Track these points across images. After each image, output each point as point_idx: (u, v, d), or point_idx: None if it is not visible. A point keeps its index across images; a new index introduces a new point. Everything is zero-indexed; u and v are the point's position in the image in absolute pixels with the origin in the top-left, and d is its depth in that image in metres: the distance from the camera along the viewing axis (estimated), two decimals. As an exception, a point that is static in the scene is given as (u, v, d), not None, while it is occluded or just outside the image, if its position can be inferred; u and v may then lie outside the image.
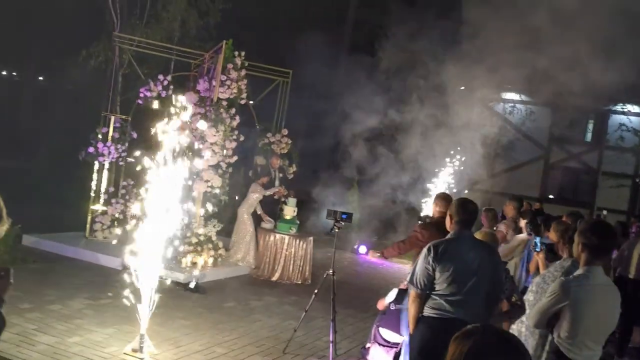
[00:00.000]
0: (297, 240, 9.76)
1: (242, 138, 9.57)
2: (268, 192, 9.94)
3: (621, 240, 8.45)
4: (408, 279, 4.29)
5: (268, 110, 11.46)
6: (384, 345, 5.68)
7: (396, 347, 5.65)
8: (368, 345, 5.89)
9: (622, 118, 20.71)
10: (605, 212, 17.14)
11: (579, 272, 3.58)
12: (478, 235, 4.74)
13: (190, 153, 8.56)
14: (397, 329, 5.69)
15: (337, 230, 6.72)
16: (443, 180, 13.77)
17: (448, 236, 4.27)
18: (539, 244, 5.01)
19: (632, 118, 20.72)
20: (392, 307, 5.79)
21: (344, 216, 6.68)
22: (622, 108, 20.61)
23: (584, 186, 21.68)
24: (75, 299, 6.87)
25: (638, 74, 11.04)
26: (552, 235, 4.90)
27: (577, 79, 10.68)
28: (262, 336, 6.63)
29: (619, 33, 10.08)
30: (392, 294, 5.87)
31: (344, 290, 9.65)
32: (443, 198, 5.75)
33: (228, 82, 9.13)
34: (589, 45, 10.10)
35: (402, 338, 5.57)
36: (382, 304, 5.91)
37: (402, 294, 5.71)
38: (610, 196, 20.53)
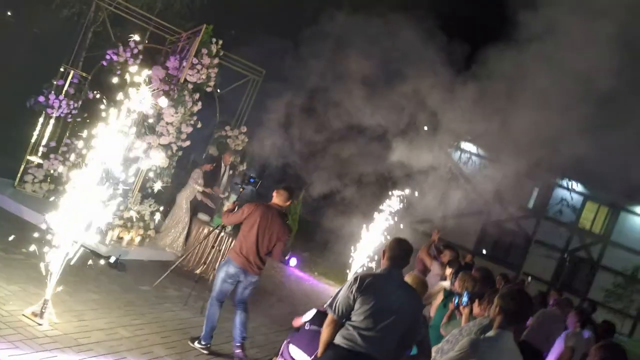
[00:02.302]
0: (230, 239, 9.63)
1: (199, 125, 9.40)
2: (200, 188, 9.70)
3: (537, 309, 8.72)
4: (328, 302, 4.28)
5: (233, 104, 11.34)
6: None
7: None
8: (275, 359, 5.83)
9: (565, 193, 21.56)
10: (529, 278, 17.71)
11: (490, 333, 3.65)
12: (409, 277, 4.79)
13: (144, 129, 8.37)
14: (307, 349, 5.67)
15: (241, 190, 7.78)
16: (386, 211, 13.88)
17: (378, 271, 4.29)
18: (466, 299, 5.10)
19: (574, 195, 21.59)
20: (307, 327, 5.77)
21: (251, 180, 7.54)
22: (567, 184, 21.46)
23: (516, 249, 22.37)
24: (-14, 248, 6.55)
25: (591, 153, 11.44)
26: (457, 286, 5.09)
27: (534, 147, 11.07)
28: (170, 327, 6.47)
29: (580, 111, 10.53)
30: (309, 314, 5.85)
31: (265, 299, 9.58)
32: (285, 189, 6.29)
33: (199, 67, 8.99)
34: (551, 118, 10.49)
35: (309, 359, 5.56)
36: (297, 322, 5.88)
37: (320, 316, 5.70)
38: (538, 264, 21.30)
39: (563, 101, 10.32)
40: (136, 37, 9.52)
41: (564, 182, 21.50)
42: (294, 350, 5.67)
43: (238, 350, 6.18)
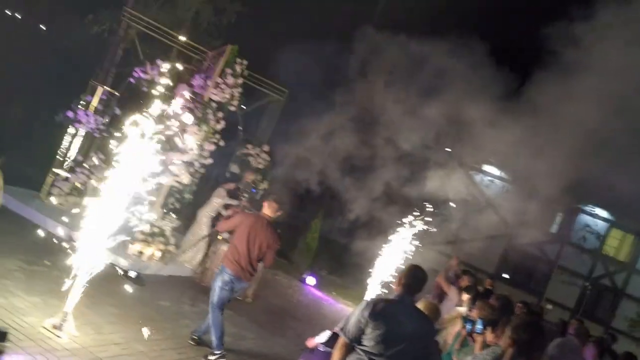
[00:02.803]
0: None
1: (222, 143, 9.55)
2: (229, 201, 9.84)
3: (557, 337, 8.58)
4: (340, 324, 4.30)
5: (257, 123, 11.51)
6: None
7: None
8: None
9: (590, 219, 21.23)
10: (550, 306, 17.43)
11: (502, 365, 3.64)
12: (421, 303, 4.79)
13: (168, 145, 8.53)
14: None
15: (242, 200, 9.12)
16: (405, 233, 13.82)
17: (391, 296, 4.31)
18: (480, 327, 5.07)
19: (598, 221, 21.25)
20: (321, 349, 5.80)
21: (252, 190, 8.46)
22: (592, 210, 21.14)
23: (538, 274, 22.03)
24: (11, 258, 6.72)
25: (617, 180, 11.30)
26: (475, 314, 5.06)
27: (558, 172, 10.97)
28: (185, 344, 6.53)
29: (601, 138, 10.43)
30: (324, 335, 5.88)
31: (281, 318, 9.62)
32: (275, 200, 6.62)
33: (223, 86, 9.16)
34: (574, 142, 10.41)
35: None
36: (311, 343, 5.92)
37: (334, 338, 5.72)
38: (560, 291, 20.91)
39: (592, 127, 10.24)
40: (163, 59, 9.76)
41: (589, 208, 21.18)
42: None
43: (195, 337, 6.54)
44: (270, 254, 6.49)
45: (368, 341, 4.05)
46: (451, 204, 16.43)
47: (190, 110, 9.05)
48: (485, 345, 4.97)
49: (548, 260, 21.88)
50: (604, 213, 21.30)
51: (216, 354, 6.29)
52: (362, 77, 13.00)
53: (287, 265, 14.41)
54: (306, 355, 5.93)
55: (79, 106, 9.66)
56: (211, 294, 6.44)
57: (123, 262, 8.15)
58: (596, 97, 10.08)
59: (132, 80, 9.77)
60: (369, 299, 4.21)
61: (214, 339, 6.32)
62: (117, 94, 10.08)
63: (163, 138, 5.91)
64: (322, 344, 5.81)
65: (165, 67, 9.62)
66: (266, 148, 10.89)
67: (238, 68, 9.26)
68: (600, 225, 21.29)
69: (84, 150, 10.03)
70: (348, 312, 12.28)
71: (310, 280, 13.51)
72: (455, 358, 5.43)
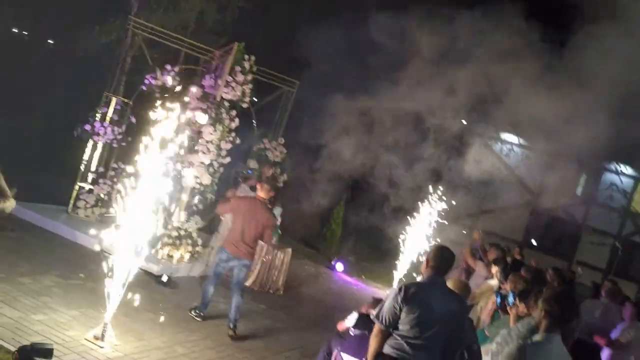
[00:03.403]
0: (276, 250, 9.80)
1: (238, 141, 9.61)
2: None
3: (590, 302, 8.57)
4: (375, 312, 4.36)
5: (270, 116, 11.53)
6: None
7: None
8: None
9: (614, 177, 20.94)
10: (580, 269, 17.28)
11: (537, 337, 3.67)
12: (450, 282, 4.83)
13: (184, 148, 8.61)
14: (358, 355, 5.80)
15: (241, 181, 9.51)
16: (429, 211, 13.80)
17: (421, 279, 4.36)
18: (512, 300, 5.10)
19: (624, 179, 20.96)
20: (353, 333, 5.91)
21: (249, 172, 9.08)
22: (616, 167, 20.85)
23: (566, 238, 21.84)
24: (47, 274, 6.88)
25: (636, 134, 11.13)
26: (508, 288, 5.07)
27: (578, 133, 10.84)
28: (224, 342, 6.67)
29: (623, 94, 10.25)
30: (352, 318, 6.00)
31: (314, 307, 9.72)
32: (268, 183, 7.38)
33: (233, 84, 9.20)
34: (592, 102, 10.27)
35: None
36: (342, 326, 6.05)
37: (363, 319, 5.85)
38: (590, 252, 20.72)
39: (609, 82, 10.08)
40: (171, 63, 9.83)
41: (613, 167, 20.89)
42: (347, 357, 5.80)
43: (231, 332, 6.92)
44: (267, 232, 7.17)
45: (403, 326, 4.12)
46: (472, 175, 16.30)
47: (204, 111, 9.15)
48: (518, 318, 5.00)
49: (576, 223, 21.67)
50: (629, 170, 21.00)
51: (196, 312, 7.11)
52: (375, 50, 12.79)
53: (315, 254, 14.51)
54: (336, 340, 6.04)
55: (96, 118, 9.78)
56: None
57: (154, 268, 8.30)
58: (615, 51, 9.92)
59: (143, 87, 9.87)
60: (401, 285, 4.27)
61: (201, 301, 7.14)
62: (130, 102, 10.18)
63: (182, 141, 5.98)
64: (353, 328, 5.90)
65: (174, 71, 9.77)
66: (282, 141, 10.94)
67: (247, 65, 9.29)
68: (626, 183, 21.00)
69: (105, 161, 10.18)
70: (378, 295, 12.39)
71: (339, 266, 13.60)
72: (486, 332, 5.46)
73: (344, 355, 5.81)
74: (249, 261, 7.22)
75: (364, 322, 5.89)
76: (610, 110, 10.40)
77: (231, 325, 6.93)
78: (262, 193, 7.25)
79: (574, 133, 10.96)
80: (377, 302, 6.14)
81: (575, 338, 7.45)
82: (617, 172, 20.97)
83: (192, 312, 7.14)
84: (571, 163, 17.52)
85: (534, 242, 21.46)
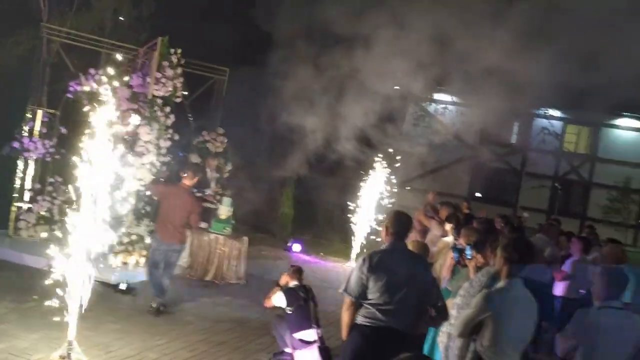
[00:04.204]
0: (232, 240, 9.74)
1: (176, 137, 9.41)
2: (198, 194, 9.76)
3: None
4: (342, 287, 4.41)
5: (204, 108, 11.34)
6: (305, 347, 5.91)
7: (316, 342, 5.93)
8: (288, 350, 6.07)
9: (544, 122, 21.82)
10: (525, 213, 18.01)
11: (500, 284, 3.82)
12: (410, 244, 4.94)
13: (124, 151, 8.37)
14: (305, 325, 5.97)
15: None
16: (375, 179, 13.98)
17: (383, 247, 4.44)
18: (469, 252, 5.25)
19: (554, 122, 21.87)
20: (290, 311, 6.04)
21: (179, 154, 9.60)
22: (545, 112, 21.70)
23: (508, 186, 22.71)
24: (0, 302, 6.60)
25: (562, 78, 11.52)
26: (462, 242, 5.23)
27: (506, 83, 11.17)
28: (194, 340, 6.61)
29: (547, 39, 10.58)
30: (280, 298, 6.16)
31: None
32: (190, 170, 7.78)
33: (163, 80, 8.97)
34: (518, 50, 10.57)
35: (314, 330, 5.98)
36: (269, 304, 6.34)
37: (290, 294, 6.18)
38: (532, 196, 21.66)
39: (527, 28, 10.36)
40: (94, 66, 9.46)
41: (542, 111, 21.73)
42: (299, 335, 6.02)
43: (149, 308, 7.23)
44: (193, 216, 7.51)
45: (373, 294, 4.19)
46: (410, 138, 16.56)
47: (136, 111, 8.88)
48: (477, 269, 5.17)
49: (514, 170, 22.54)
50: (557, 112, 21.92)
51: (158, 302, 7.24)
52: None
53: (270, 238, 14.50)
54: (280, 324, 6.21)
55: (23, 134, 9.35)
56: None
57: (110, 277, 8.09)
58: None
59: (69, 95, 9.49)
60: (364, 255, 4.33)
61: (153, 290, 7.36)
62: (57, 113, 9.77)
63: (118, 145, 5.79)
64: (288, 308, 6.07)
65: (99, 74, 9.41)
66: (221, 131, 10.79)
67: (174, 58, 9.06)
68: (556, 125, 21.94)
69: (40, 177, 9.77)
70: (339, 268, 12.52)
71: (296, 247, 13.65)
72: (448, 287, 5.62)
73: (295, 334, 5.96)
74: (179, 246, 7.53)
75: (293, 296, 6.14)
76: (535, 56, 10.74)
77: (153, 305, 7.21)
78: (187, 180, 7.60)
79: (503, 84, 11.29)
80: (296, 270, 6.38)
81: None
82: (546, 117, 21.84)
83: (153, 309, 7.22)
84: (502, 114, 18.06)
85: (478, 194, 22.19)
